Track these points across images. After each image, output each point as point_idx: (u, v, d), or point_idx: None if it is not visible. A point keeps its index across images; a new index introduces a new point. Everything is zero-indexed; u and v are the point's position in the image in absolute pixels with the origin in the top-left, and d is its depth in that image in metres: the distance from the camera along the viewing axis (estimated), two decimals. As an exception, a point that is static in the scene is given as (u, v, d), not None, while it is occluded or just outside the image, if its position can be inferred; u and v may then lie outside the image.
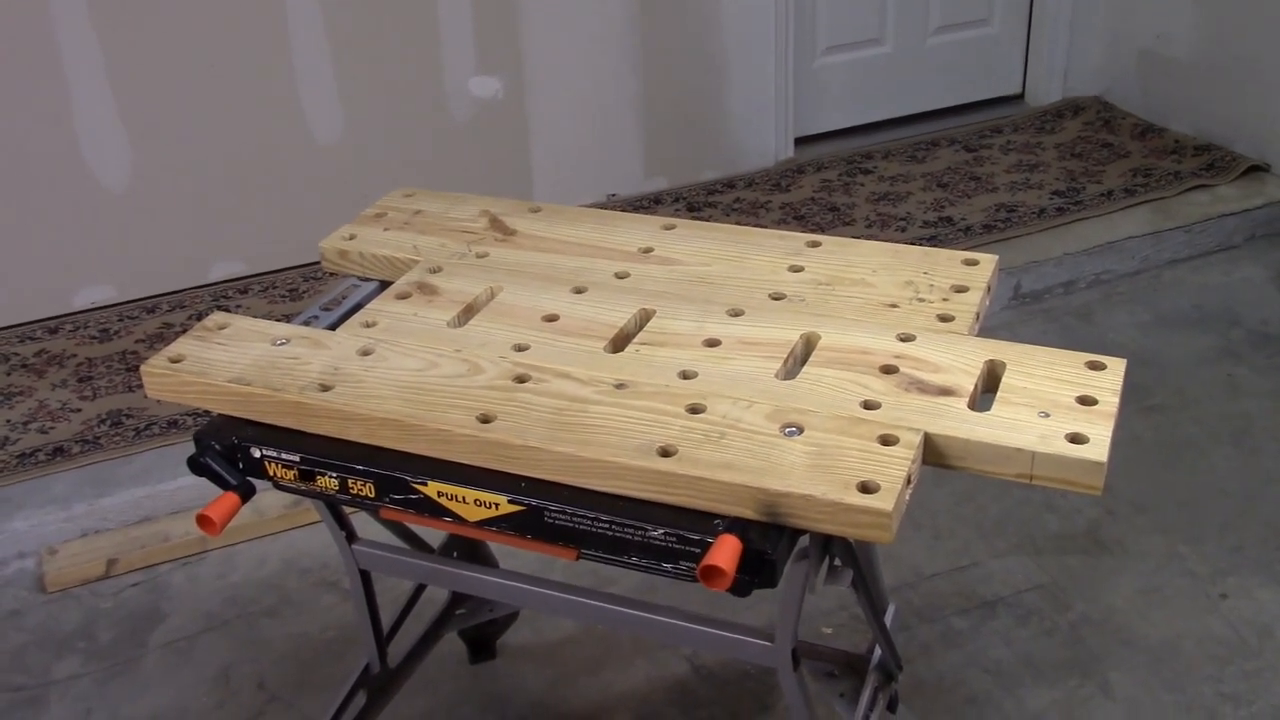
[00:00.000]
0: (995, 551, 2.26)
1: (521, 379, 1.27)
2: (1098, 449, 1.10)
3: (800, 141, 3.63)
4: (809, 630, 2.08)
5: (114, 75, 2.82)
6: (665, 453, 1.14)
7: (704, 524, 1.11)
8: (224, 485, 1.26)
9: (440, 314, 1.40)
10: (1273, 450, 2.48)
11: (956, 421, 1.16)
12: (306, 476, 1.25)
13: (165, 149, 2.94)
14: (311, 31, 2.95)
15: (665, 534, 1.12)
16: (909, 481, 1.11)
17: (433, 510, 1.21)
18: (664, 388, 1.24)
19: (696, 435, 1.16)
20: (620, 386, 1.24)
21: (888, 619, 1.62)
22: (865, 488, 1.08)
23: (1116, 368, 1.22)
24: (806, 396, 1.21)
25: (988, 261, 1.43)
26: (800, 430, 1.16)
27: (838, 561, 1.22)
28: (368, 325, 1.38)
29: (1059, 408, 1.17)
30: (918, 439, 1.13)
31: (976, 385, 1.22)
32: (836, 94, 3.66)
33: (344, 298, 1.51)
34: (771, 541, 1.09)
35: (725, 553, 1.03)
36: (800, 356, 1.29)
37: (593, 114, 3.30)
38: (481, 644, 2.04)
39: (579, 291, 1.42)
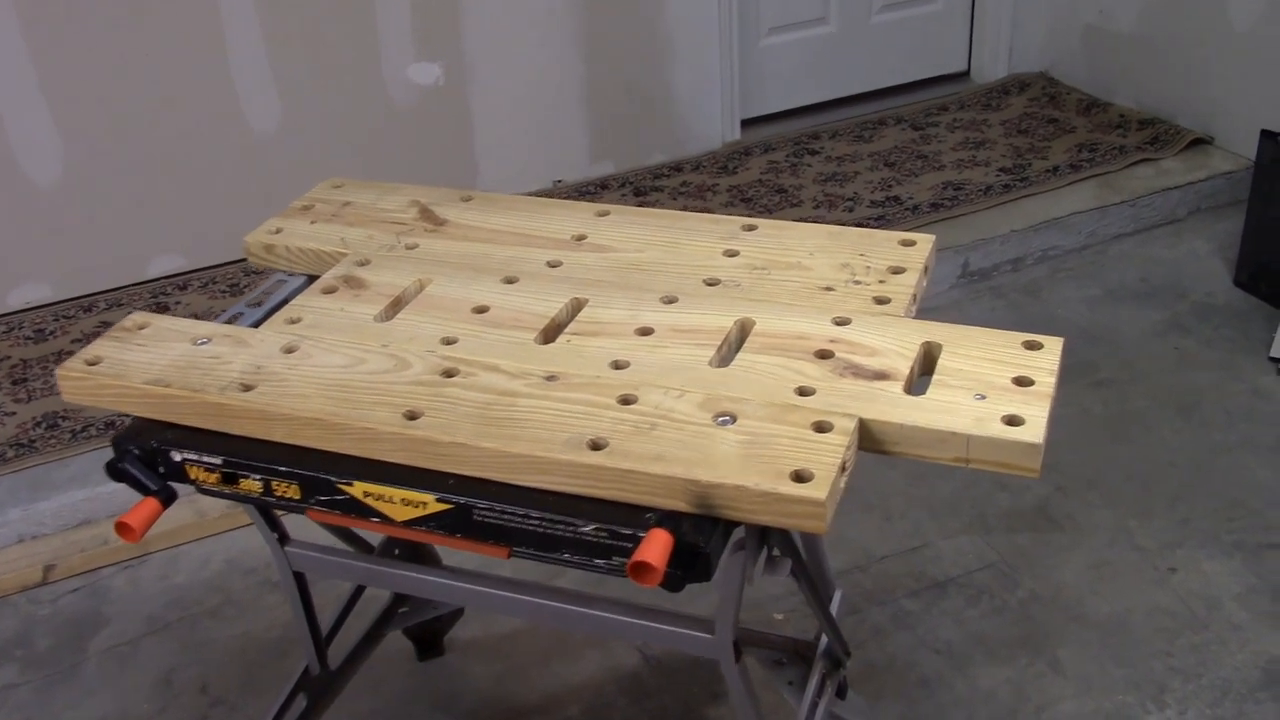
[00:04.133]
0: (946, 531, 2.25)
1: (450, 373, 1.23)
2: (1034, 430, 1.09)
3: (747, 123, 3.61)
4: (759, 617, 2.07)
5: (42, 68, 2.75)
6: (596, 446, 1.12)
7: (636, 518, 1.08)
8: (144, 491, 1.22)
9: (367, 308, 1.36)
10: (1220, 421, 2.49)
11: (891, 406, 1.14)
12: (229, 479, 1.22)
13: (98, 143, 2.87)
14: (244, 19, 2.89)
15: (596, 529, 1.09)
16: (844, 469, 1.09)
17: (359, 511, 1.18)
18: (595, 379, 1.21)
19: (627, 427, 1.13)
20: (550, 379, 1.21)
21: (834, 605, 1.61)
22: (799, 476, 1.06)
23: (1053, 347, 1.21)
24: (740, 384, 1.19)
25: (924, 242, 1.41)
26: (733, 419, 1.14)
27: (776, 551, 1.20)
28: (292, 321, 1.35)
29: (995, 389, 1.15)
30: (852, 425, 1.11)
31: (913, 368, 1.20)
32: (782, 75, 3.63)
33: (270, 294, 1.47)
34: (704, 534, 1.07)
35: (655, 548, 1.00)
36: (735, 343, 1.27)
37: (536, 99, 3.26)
38: (428, 641, 2.01)
39: (510, 282, 1.39)
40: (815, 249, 1.41)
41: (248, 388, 1.23)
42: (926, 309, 2.68)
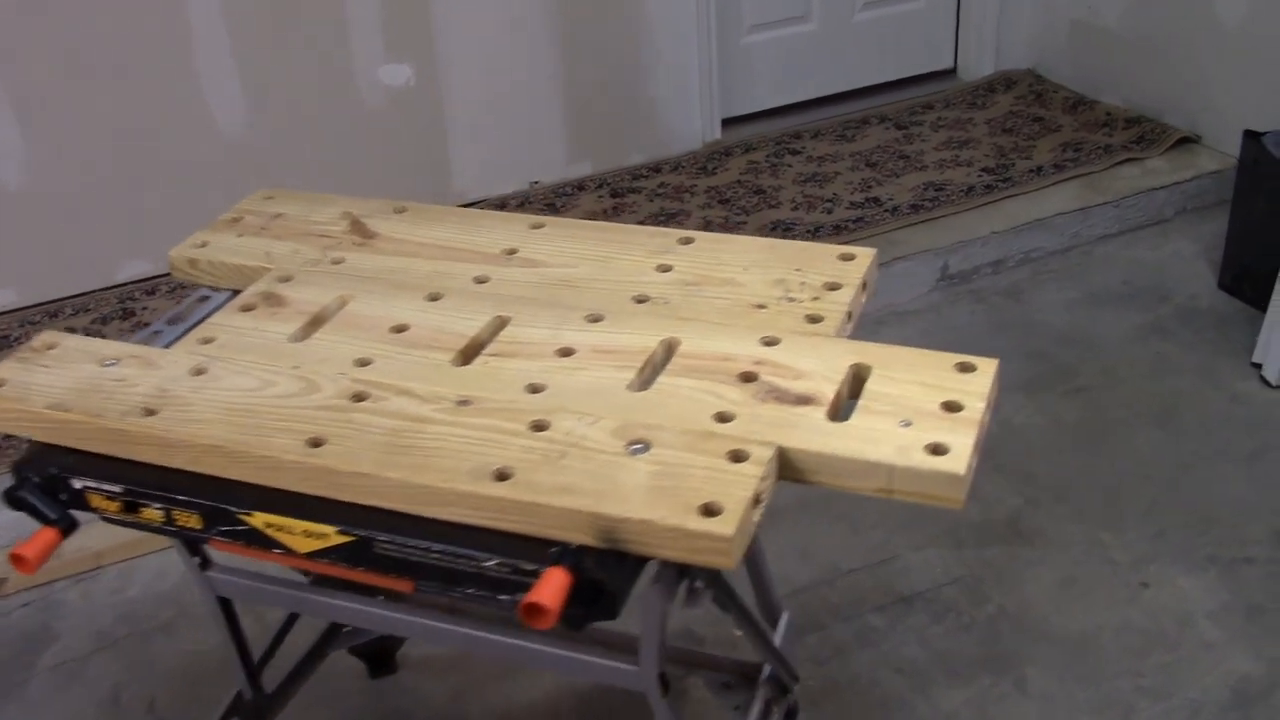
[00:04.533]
0: (915, 544, 2.20)
1: (360, 397, 1.19)
2: (957, 460, 1.04)
3: (728, 122, 3.55)
4: (719, 635, 2.02)
5: (5, 72, 2.71)
6: (502, 476, 1.07)
7: (541, 552, 1.04)
8: (42, 520, 1.18)
9: (284, 327, 1.31)
10: (1197, 431, 2.43)
11: (812, 434, 1.09)
12: (130, 508, 1.17)
13: (64, 147, 2.83)
14: (210, 19, 2.84)
15: (499, 564, 1.04)
16: (758, 501, 1.04)
17: (261, 542, 1.13)
18: (509, 403, 1.16)
19: (536, 456, 1.09)
20: (463, 403, 1.17)
21: (780, 627, 1.56)
22: (708, 510, 1.01)
23: (987, 370, 1.15)
24: (658, 409, 1.14)
25: (864, 256, 1.36)
26: (647, 447, 1.09)
27: (699, 583, 1.15)
28: (205, 341, 1.30)
29: (922, 415, 1.10)
30: (769, 455, 1.06)
31: (840, 392, 1.15)
32: (764, 73, 3.58)
33: (192, 311, 1.43)
34: (610, 570, 1.02)
35: (549, 589, 0.96)
36: (659, 364, 1.22)
37: (511, 99, 3.21)
38: (380, 658, 1.97)
39: (433, 299, 1.34)
40: (751, 264, 1.36)
41: (150, 412, 1.18)
42: (905, 313, 2.61)
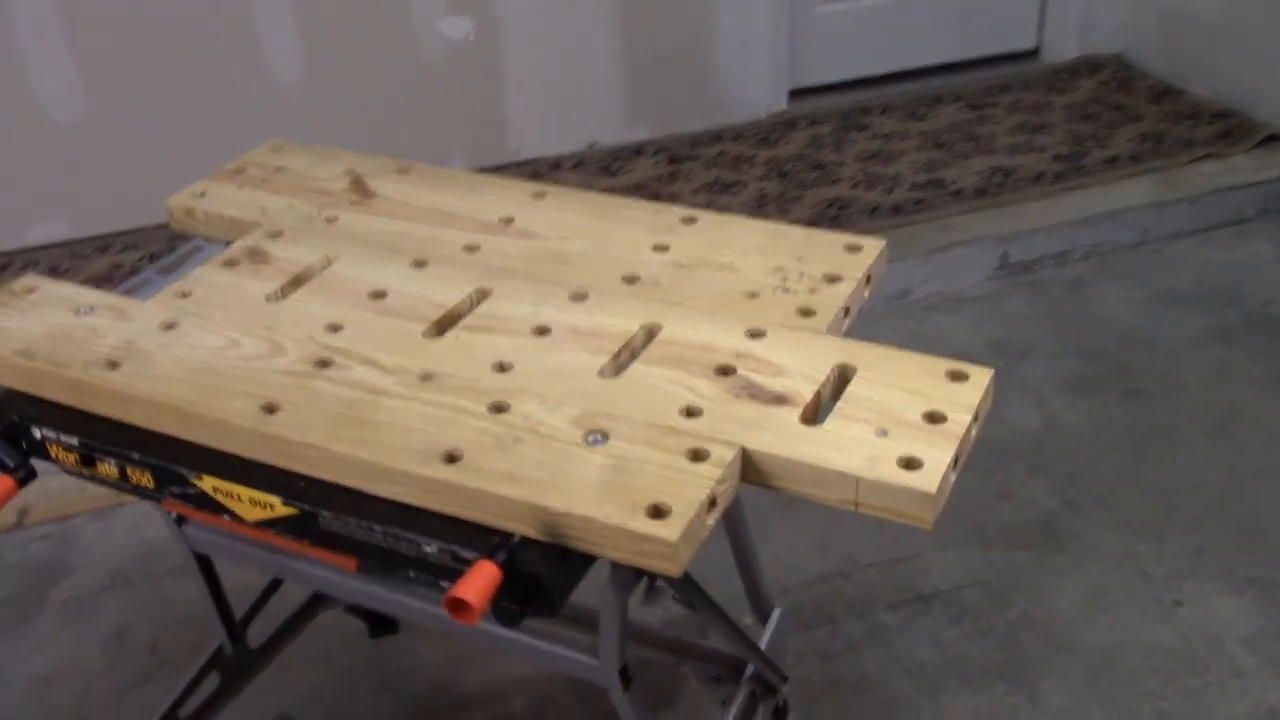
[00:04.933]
0: (940, 542, 2.12)
1: (324, 364, 1.15)
2: (929, 477, 0.97)
3: (795, 94, 3.45)
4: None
5: (65, 8, 2.72)
6: (451, 458, 1.02)
7: (484, 541, 0.99)
8: (1, 468, 1.16)
9: (263, 285, 1.28)
10: (1256, 443, 2.31)
11: (780, 436, 1.02)
12: (87, 461, 1.15)
13: (120, 84, 2.83)
14: (269, -36, 2.82)
15: (440, 550, 1.00)
16: (713, 505, 0.98)
17: (211, 506, 1.11)
18: (472, 381, 1.12)
19: (489, 440, 1.04)
20: (426, 378, 1.12)
21: (771, 623, 1.50)
22: (656, 511, 0.95)
23: (979, 380, 1.08)
24: (625, 398, 1.09)
25: (871, 248, 1.28)
26: (605, 438, 1.03)
27: (659, 582, 1.10)
28: (183, 295, 1.27)
29: (901, 425, 1.03)
30: (731, 455, 1.00)
31: (819, 393, 1.09)
32: (836, 45, 3.46)
33: (184, 260, 1.40)
34: (551, 566, 0.97)
35: (475, 584, 0.91)
36: (638, 349, 1.16)
37: (572, 58, 3.15)
38: (380, 617, 1.95)
39: (419, 265, 1.30)
40: (751, 248, 1.29)
41: (114, 365, 1.16)
42: (959, 300, 2.52)
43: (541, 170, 3.16)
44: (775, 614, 1.51)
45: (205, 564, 1.46)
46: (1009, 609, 1.99)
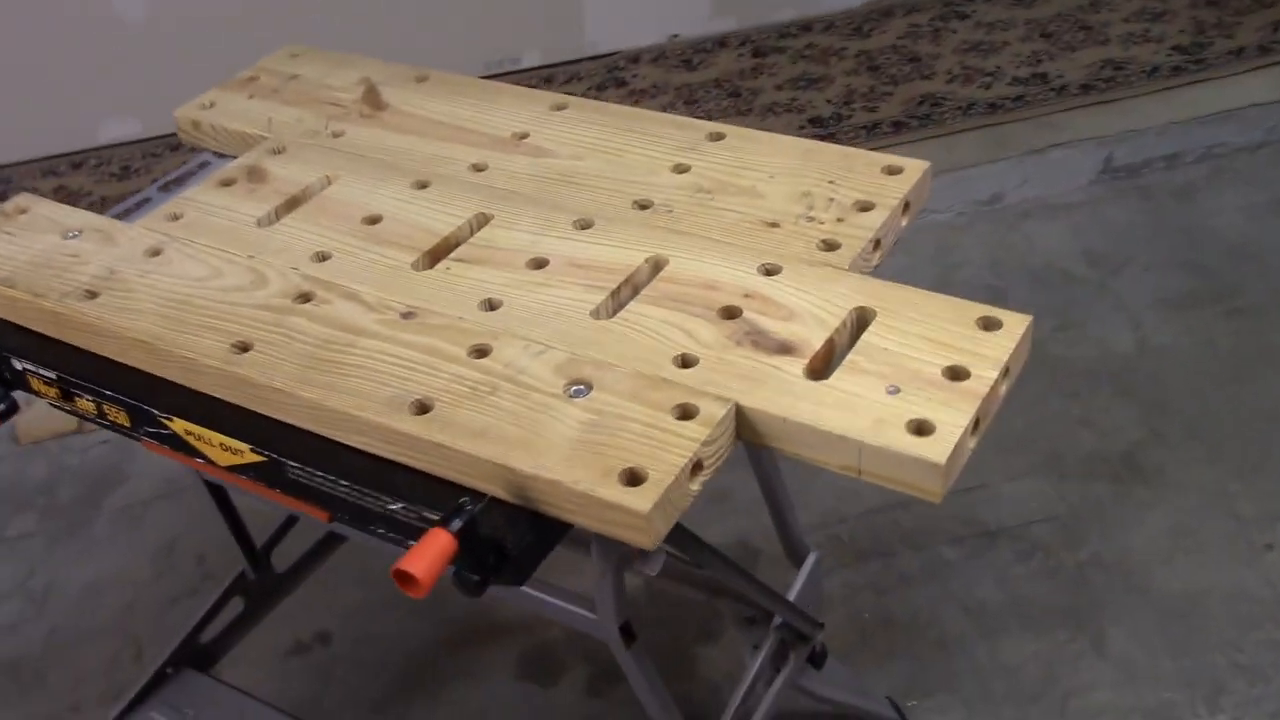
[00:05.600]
0: (1012, 472, 2.00)
1: (304, 297, 1.07)
2: (939, 445, 0.86)
3: (893, -22, 3.24)
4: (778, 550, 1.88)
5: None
6: (422, 408, 0.95)
7: (451, 500, 0.91)
8: (-18, 400, 1.12)
9: (256, 208, 1.20)
10: (1372, 373, 2.12)
11: (779, 393, 0.92)
12: (67, 395, 1.10)
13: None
14: None
15: (405, 509, 0.93)
16: (698, 469, 0.88)
17: (185, 449, 1.05)
18: (456, 320, 1.03)
19: (465, 387, 0.96)
20: (408, 315, 1.04)
21: (804, 570, 1.41)
22: (632, 477, 0.86)
23: (1014, 328, 0.96)
24: (616, 343, 0.99)
25: (913, 170, 1.15)
26: (588, 389, 0.94)
27: (653, 540, 1.01)
28: (173, 218, 1.21)
29: (918, 381, 0.92)
30: (722, 413, 0.91)
31: (832, 340, 0.98)
32: (938, -76, 3.23)
33: (190, 176, 1.33)
34: (518, 532, 0.89)
35: (424, 556, 0.83)
36: (641, 284, 1.06)
37: (651, -57, 2.99)
38: (423, 537, 1.91)
39: (421, 186, 1.21)
40: (780, 170, 1.17)
41: (92, 295, 1.10)
42: (1056, 207, 2.34)
43: (619, 65, 3.02)
44: (809, 559, 1.42)
45: (219, 493, 1.42)
46: (1081, 547, 1.86)
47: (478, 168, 1.24)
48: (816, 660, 1.48)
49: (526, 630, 1.83)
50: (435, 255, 1.12)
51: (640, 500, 0.84)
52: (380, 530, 0.96)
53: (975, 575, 1.84)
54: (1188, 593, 1.78)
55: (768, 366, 0.95)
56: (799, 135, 2.74)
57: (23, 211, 1.23)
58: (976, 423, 0.90)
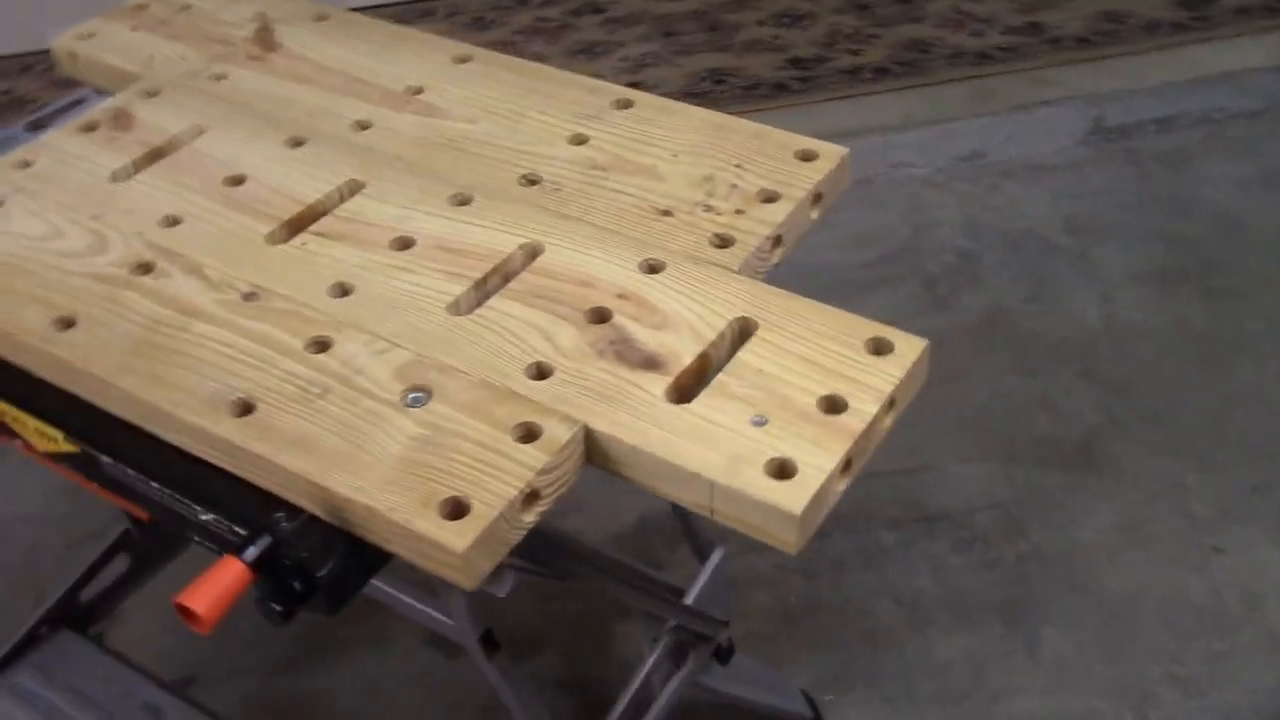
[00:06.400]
0: (960, 454, 1.91)
1: (144, 268, 0.98)
2: (798, 492, 0.77)
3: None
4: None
5: None
6: (244, 409, 0.86)
7: (266, 515, 0.83)
8: None
9: (113, 159, 1.10)
10: (1350, 366, 2.02)
11: (635, 416, 0.83)
12: (-110, 364, 1.01)
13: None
14: None
15: (215, 520, 0.84)
16: (534, 499, 0.80)
17: (6, 429, 0.96)
18: (301, 306, 0.94)
19: (292, 388, 0.87)
20: (249, 297, 0.95)
21: (708, 567, 1.33)
22: (457, 507, 0.78)
23: (907, 353, 0.86)
24: (468, 344, 0.90)
25: (830, 157, 1.05)
26: (428, 398, 0.85)
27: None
28: (23, 165, 1.11)
29: (788, 412, 0.82)
30: (567, 437, 0.81)
31: (707, 355, 0.88)
32: None
33: (61, 116, 1.23)
34: (331, 557, 0.80)
35: (209, 590, 0.75)
36: (511, 275, 0.96)
37: None
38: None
39: (296, 144, 1.11)
40: (685, 148, 1.07)
41: (-83, 251, 1.01)
42: (1039, 168, 2.22)
43: (597, -11, 2.88)
44: (715, 555, 1.33)
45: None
46: (1023, 539, 1.78)
47: (362, 125, 1.13)
48: (722, 656, 1.41)
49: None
50: (295, 226, 1.02)
51: (457, 537, 0.75)
52: (196, 538, 0.88)
53: (911, 564, 1.76)
54: (1129, 594, 1.70)
55: (628, 383, 0.85)
56: (777, 76, 2.62)
57: None
58: (848, 463, 0.81)
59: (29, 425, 0.93)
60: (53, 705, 1.32)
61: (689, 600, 1.30)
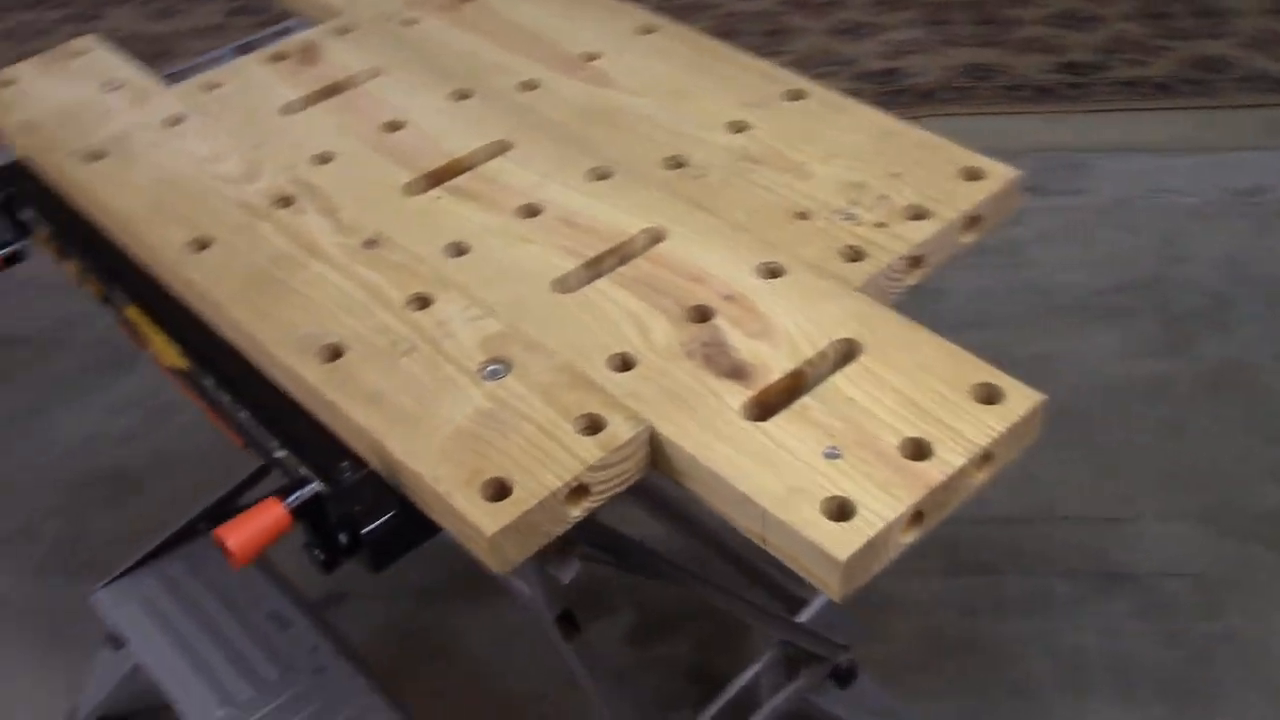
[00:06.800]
0: (1163, 511, 1.75)
1: (285, 201, 1.00)
2: (849, 538, 0.71)
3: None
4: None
5: None
6: (333, 354, 0.86)
7: (333, 463, 0.84)
8: (-6, 242, 1.11)
9: (291, 91, 1.13)
10: None
11: (703, 426, 0.79)
12: (61, 254, 1.08)
13: None
14: None
15: (287, 457, 0.86)
16: (581, 494, 0.77)
17: (139, 338, 1.01)
18: (414, 261, 0.94)
19: (383, 341, 0.87)
20: (370, 244, 0.95)
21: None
22: (500, 488, 0.76)
23: (1015, 409, 0.78)
24: (563, 323, 0.87)
25: (997, 179, 0.96)
26: (505, 372, 0.83)
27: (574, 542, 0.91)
28: (210, 87, 1.15)
29: (866, 449, 0.76)
30: (630, 435, 0.78)
31: (802, 372, 0.83)
32: None
33: (267, 43, 1.28)
34: (383, 517, 0.80)
35: (247, 528, 0.76)
36: (629, 258, 0.93)
37: None
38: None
39: (461, 97, 1.11)
40: (844, 150, 1.00)
41: (97, 157, 1.07)
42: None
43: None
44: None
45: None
46: (1215, 617, 1.62)
47: (528, 86, 1.12)
48: (841, 678, 1.35)
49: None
50: (434, 178, 1.02)
51: (489, 519, 0.74)
52: (276, 471, 0.89)
53: (1081, 620, 1.63)
54: (1323, 701, 1.52)
55: (708, 391, 0.81)
56: (1046, 79, 2.46)
57: (79, 54, 1.20)
58: (919, 515, 0.74)
59: (156, 337, 0.97)
60: (192, 595, 1.39)
61: (804, 618, 1.25)
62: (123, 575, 1.43)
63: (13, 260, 1.11)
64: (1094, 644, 1.60)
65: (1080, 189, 2.29)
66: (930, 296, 2.04)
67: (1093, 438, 1.84)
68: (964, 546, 1.73)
